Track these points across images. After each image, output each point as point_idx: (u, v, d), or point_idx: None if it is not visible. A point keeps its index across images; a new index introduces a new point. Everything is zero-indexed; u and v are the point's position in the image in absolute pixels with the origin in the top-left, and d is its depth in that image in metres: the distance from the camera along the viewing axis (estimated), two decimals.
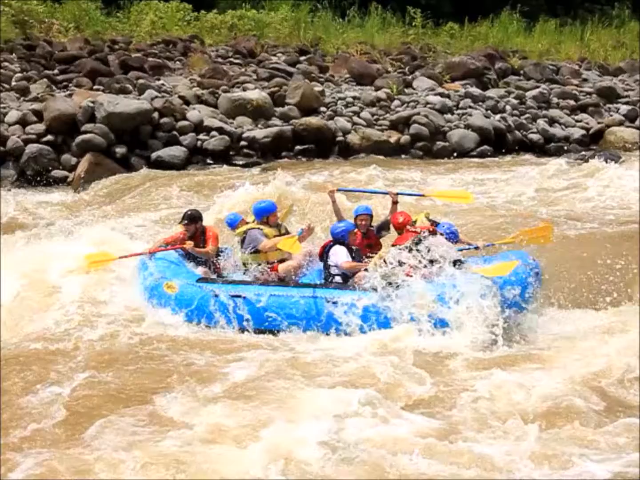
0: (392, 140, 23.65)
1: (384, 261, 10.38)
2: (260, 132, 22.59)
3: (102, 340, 9.95)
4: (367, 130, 23.72)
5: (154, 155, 21.32)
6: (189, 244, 11.75)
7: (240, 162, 21.87)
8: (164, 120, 21.92)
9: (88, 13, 30.19)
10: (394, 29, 33.16)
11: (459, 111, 25.37)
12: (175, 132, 21.95)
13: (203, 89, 24.24)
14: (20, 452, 7.14)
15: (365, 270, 10.49)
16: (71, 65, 24.99)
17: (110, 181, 19.82)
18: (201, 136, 22.13)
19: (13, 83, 23.63)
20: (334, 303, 10.24)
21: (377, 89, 26.05)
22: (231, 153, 22.15)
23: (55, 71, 24.87)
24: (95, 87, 23.73)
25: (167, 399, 8.19)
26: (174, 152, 21.49)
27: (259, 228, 11.22)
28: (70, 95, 22.72)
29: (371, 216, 11.58)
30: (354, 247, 10.97)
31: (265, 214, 11.34)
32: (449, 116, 24.96)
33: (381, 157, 22.98)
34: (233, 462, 6.94)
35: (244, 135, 22.50)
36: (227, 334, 10.33)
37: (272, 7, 33.08)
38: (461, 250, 11.48)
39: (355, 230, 11.39)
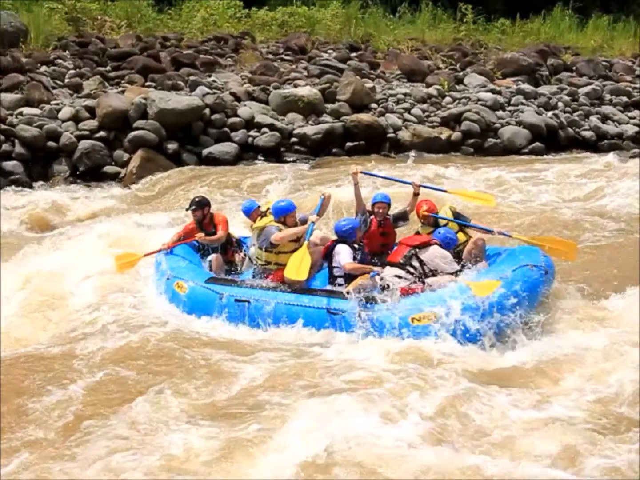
0: (443, 137, 23.54)
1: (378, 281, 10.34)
2: (311, 129, 22.59)
3: (111, 339, 9.97)
4: (418, 127, 23.61)
5: (205, 151, 21.39)
6: (199, 235, 11.99)
7: (291, 159, 21.92)
8: (215, 116, 21.99)
9: (140, 10, 30.47)
10: (445, 25, 33.11)
11: (511, 108, 25.17)
12: (226, 129, 22.01)
13: (254, 86, 24.25)
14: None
15: (368, 272, 10.40)
16: (123, 62, 25.14)
17: (161, 177, 19.95)
18: (252, 132, 22.17)
19: (66, 80, 23.86)
20: (335, 314, 10.12)
21: (428, 85, 25.95)
22: (282, 149, 22.17)
23: (108, 68, 25.04)
24: (147, 83, 23.88)
25: (169, 398, 8.25)
26: (225, 148, 21.55)
27: (278, 227, 11.06)
28: (122, 92, 22.86)
29: (389, 204, 11.50)
30: (357, 245, 10.82)
31: (283, 214, 11.12)
32: (500, 113, 24.77)
33: (432, 154, 22.88)
34: (241, 466, 6.98)
35: (295, 131, 22.51)
36: (235, 336, 10.26)
37: (322, 4, 33.18)
38: (477, 228, 11.54)
39: (372, 217, 11.41)
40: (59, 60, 25.10)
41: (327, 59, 27.50)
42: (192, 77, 24.01)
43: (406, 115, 24.05)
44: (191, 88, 23.27)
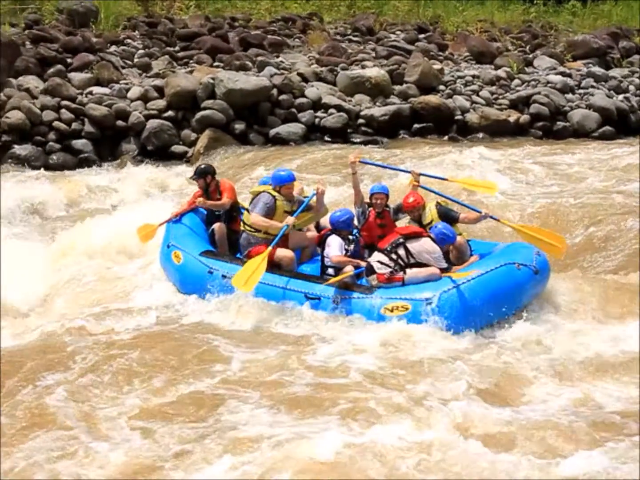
0: (512, 119, 23.23)
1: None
2: (378, 110, 22.46)
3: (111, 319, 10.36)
4: (486, 109, 23.34)
5: (272, 131, 21.42)
6: (200, 200, 12.10)
7: (358, 140, 21.79)
8: (283, 97, 22.00)
9: None
10: (514, 6, 32.76)
11: (581, 91, 24.76)
12: (293, 109, 22.00)
13: (322, 66, 24.20)
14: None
15: (355, 266, 10.41)
16: (192, 42, 25.24)
17: (229, 156, 20.05)
18: (319, 113, 22.12)
19: (135, 60, 24.05)
20: (312, 299, 10.21)
21: (497, 67, 25.65)
22: (349, 131, 22.07)
23: (177, 48, 25.17)
24: (215, 63, 23.95)
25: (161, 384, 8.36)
26: (292, 128, 21.54)
27: (272, 195, 11.09)
28: (190, 72, 22.95)
29: (387, 195, 11.29)
30: (352, 237, 10.78)
31: (279, 183, 11.18)
32: (570, 96, 24.38)
33: (500, 137, 22.65)
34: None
35: (362, 113, 22.38)
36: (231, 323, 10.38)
37: None
38: (467, 207, 11.39)
39: (370, 209, 11.26)
40: (129, 40, 25.32)
41: (395, 40, 27.30)
42: (260, 58, 24.04)
43: (474, 97, 23.79)
44: (259, 69, 23.28)
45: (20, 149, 19.82)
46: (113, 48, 24.45)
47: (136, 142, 20.88)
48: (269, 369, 8.68)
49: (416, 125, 22.61)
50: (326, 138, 21.75)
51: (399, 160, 18.38)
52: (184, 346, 9.34)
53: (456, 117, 23.01)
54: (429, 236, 10.44)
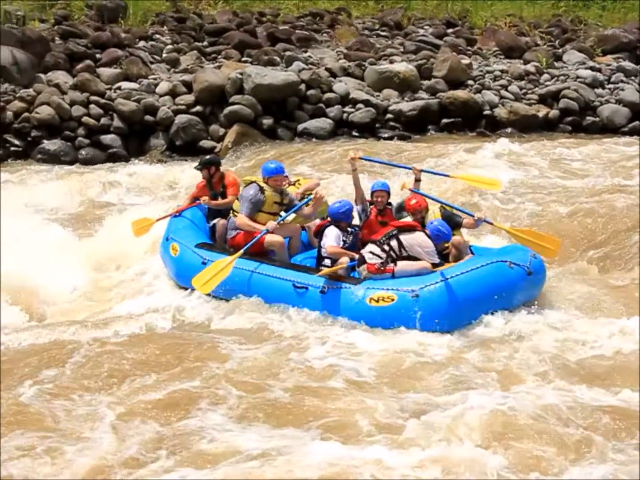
0: (541, 114, 23.12)
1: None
2: (406, 105, 22.42)
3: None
4: (515, 104, 23.20)
5: (300, 127, 21.45)
6: (204, 199, 12.12)
7: (386, 135, 21.79)
8: (311, 92, 22.01)
9: None
10: (543, 1, 32.47)
11: (611, 86, 24.60)
12: (321, 104, 22.01)
13: (349, 61, 24.16)
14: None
15: (351, 259, 10.37)
16: (220, 38, 25.30)
17: (257, 151, 20.06)
18: (347, 108, 22.12)
19: (164, 55, 24.15)
20: (300, 288, 10.23)
21: (526, 62, 25.52)
22: (377, 126, 22.05)
23: (205, 43, 25.23)
24: (243, 58, 23.97)
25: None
26: (320, 123, 21.56)
27: (261, 186, 11.16)
28: (219, 67, 22.98)
29: (388, 193, 11.23)
30: (350, 229, 10.76)
31: (267, 175, 11.25)
32: (599, 91, 24.22)
33: (529, 132, 22.52)
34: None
35: (390, 108, 22.36)
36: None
37: None
38: (459, 210, 11.18)
39: (371, 207, 11.20)
40: (157, 36, 25.40)
41: (423, 35, 27.24)
42: (288, 53, 24.04)
43: (503, 92, 23.67)
44: (287, 63, 23.30)
45: (49, 144, 19.96)
46: (142, 43, 24.53)
47: (164, 137, 20.94)
48: (253, 372, 8.49)
49: (444, 121, 22.55)
50: (354, 133, 21.78)
51: (427, 155, 18.33)
52: (163, 348, 9.13)
53: (485, 112, 22.92)
54: (424, 231, 10.38)
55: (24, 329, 10.26)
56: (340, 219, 10.69)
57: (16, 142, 20.02)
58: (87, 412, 7.58)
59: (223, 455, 6.79)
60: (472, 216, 10.97)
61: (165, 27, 26.28)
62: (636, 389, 7.90)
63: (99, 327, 10.10)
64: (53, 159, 19.70)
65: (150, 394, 7.93)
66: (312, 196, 11.27)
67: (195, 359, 8.75)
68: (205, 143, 20.92)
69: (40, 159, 19.67)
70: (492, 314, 9.75)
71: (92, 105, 20.72)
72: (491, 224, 11.29)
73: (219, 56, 24.31)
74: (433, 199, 11.45)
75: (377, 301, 9.74)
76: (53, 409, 7.60)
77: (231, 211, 11.62)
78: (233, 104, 21.19)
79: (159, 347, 9.04)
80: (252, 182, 11.27)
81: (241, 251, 10.76)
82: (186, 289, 11.28)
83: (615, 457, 6.74)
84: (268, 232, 10.88)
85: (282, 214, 11.35)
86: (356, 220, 11.26)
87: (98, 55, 22.88)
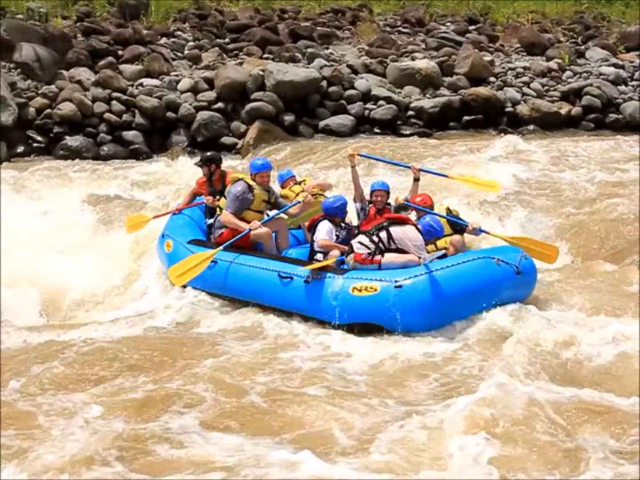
0: (563, 111, 22.99)
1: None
2: (428, 102, 22.36)
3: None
4: (537, 101, 23.10)
5: (321, 123, 21.43)
6: (208, 198, 12.11)
7: (407, 132, 21.73)
8: (332, 89, 21.98)
9: None
10: None
11: (634, 83, 24.47)
12: (342, 101, 21.97)
13: (371, 58, 24.17)
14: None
15: (341, 252, 10.30)
16: (242, 34, 25.31)
17: (278, 148, 19.97)
18: (368, 105, 22.08)
19: (186, 51, 24.22)
20: (284, 277, 10.24)
21: (549, 59, 25.43)
22: (398, 123, 21.99)
23: (226, 40, 25.26)
24: (264, 55, 23.98)
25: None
26: (342, 120, 21.52)
27: (249, 184, 11.15)
28: (240, 64, 22.99)
29: (388, 192, 11.18)
30: (344, 224, 10.70)
31: (253, 171, 11.29)
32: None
33: (551, 129, 22.44)
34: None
35: (412, 105, 22.30)
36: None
37: None
38: (455, 220, 11.02)
39: (370, 206, 11.17)
40: (179, 33, 25.49)
41: (445, 32, 27.23)
42: (309, 50, 24.04)
43: (525, 89, 23.59)
44: (309, 60, 23.30)
45: (71, 140, 20.01)
46: (163, 40, 24.60)
47: (186, 133, 20.97)
48: (234, 374, 8.32)
49: (466, 118, 22.46)
50: (376, 130, 21.73)
51: (450, 152, 18.27)
52: (147, 348, 9.02)
53: (507, 109, 22.82)
54: (415, 225, 10.30)
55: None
56: (334, 213, 10.63)
57: (38, 138, 20.08)
58: (61, 411, 7.49)
59: (185, 465, 6.52)
60: (467, 226, 10.95)
61: (186, 24, 26.38)
62: (636, 389, 7.82)
63: (80, 328, 10.12)
64: (75, 155, 19.70)
65: (127, 394, 7.83)
66: (298, 200, 11.27)
67: (176, 359, 8.69)
68: (227, 140, 20.92)
69: (62, 155, 19.67)
70: (482, 313, 9.69)
71: (114, 102, 20.78)
72: (487, 232, 11.17)
73: (241, 53, 24.33)
74: (439, 174, 11.84)
75: (360, 290, 9.63)
76: (29, 408, 7.54)
77: (218, 209, 11.61)
78: (254, 100, 21.18)
79: (142, 348, 8.99)
80: (239, 180, 11.25)
81: (220, 247, 10.87)
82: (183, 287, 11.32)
83: (615, 458, 6.68)
84: (250, 231, 10.94)
85: (269, 212, 11.45)
86: (355, 220, 11.29)
87: (120, 52, 22.97)
